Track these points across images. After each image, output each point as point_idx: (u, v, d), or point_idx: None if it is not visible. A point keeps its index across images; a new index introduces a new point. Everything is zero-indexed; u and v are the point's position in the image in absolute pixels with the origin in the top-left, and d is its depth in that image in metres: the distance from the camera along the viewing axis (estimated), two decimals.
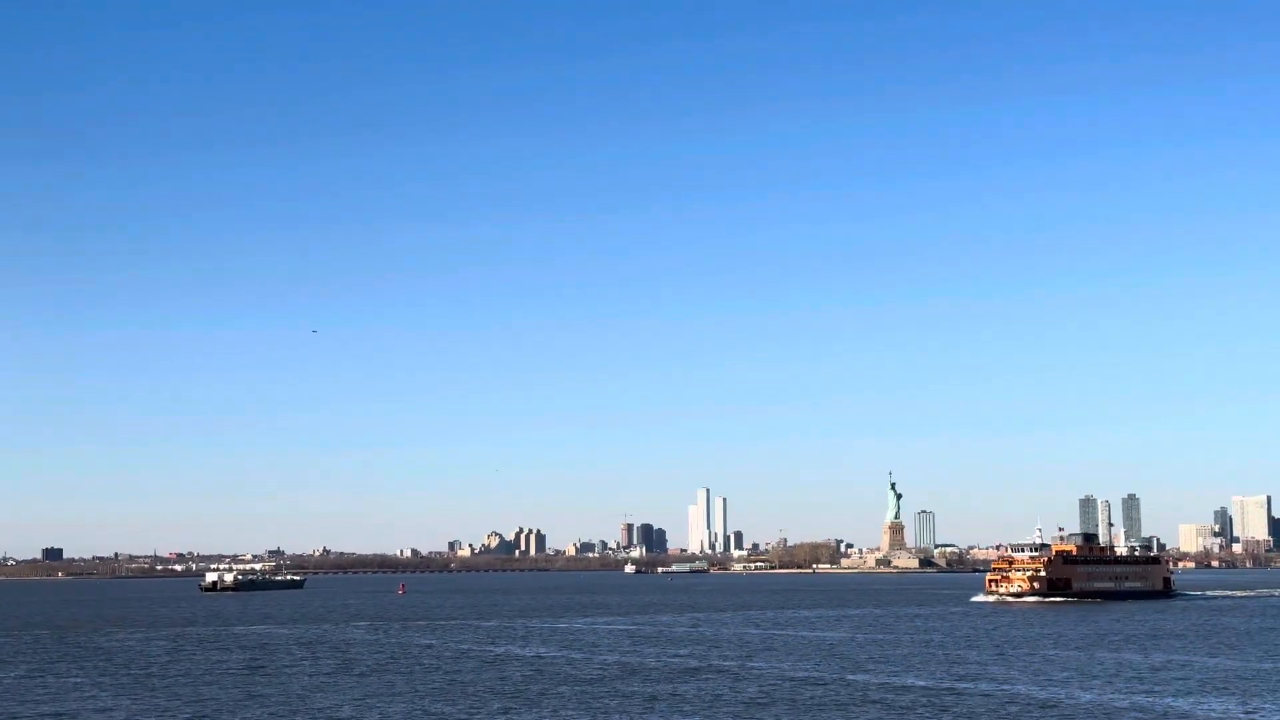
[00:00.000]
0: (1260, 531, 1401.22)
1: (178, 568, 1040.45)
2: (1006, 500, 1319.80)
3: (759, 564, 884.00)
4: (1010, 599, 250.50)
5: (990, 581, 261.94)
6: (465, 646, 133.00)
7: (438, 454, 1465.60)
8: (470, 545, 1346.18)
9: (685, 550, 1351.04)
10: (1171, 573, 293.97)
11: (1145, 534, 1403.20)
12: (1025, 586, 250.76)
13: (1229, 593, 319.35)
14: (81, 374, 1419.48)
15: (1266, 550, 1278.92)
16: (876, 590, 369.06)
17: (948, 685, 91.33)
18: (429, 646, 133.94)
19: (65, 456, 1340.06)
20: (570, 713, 77.46)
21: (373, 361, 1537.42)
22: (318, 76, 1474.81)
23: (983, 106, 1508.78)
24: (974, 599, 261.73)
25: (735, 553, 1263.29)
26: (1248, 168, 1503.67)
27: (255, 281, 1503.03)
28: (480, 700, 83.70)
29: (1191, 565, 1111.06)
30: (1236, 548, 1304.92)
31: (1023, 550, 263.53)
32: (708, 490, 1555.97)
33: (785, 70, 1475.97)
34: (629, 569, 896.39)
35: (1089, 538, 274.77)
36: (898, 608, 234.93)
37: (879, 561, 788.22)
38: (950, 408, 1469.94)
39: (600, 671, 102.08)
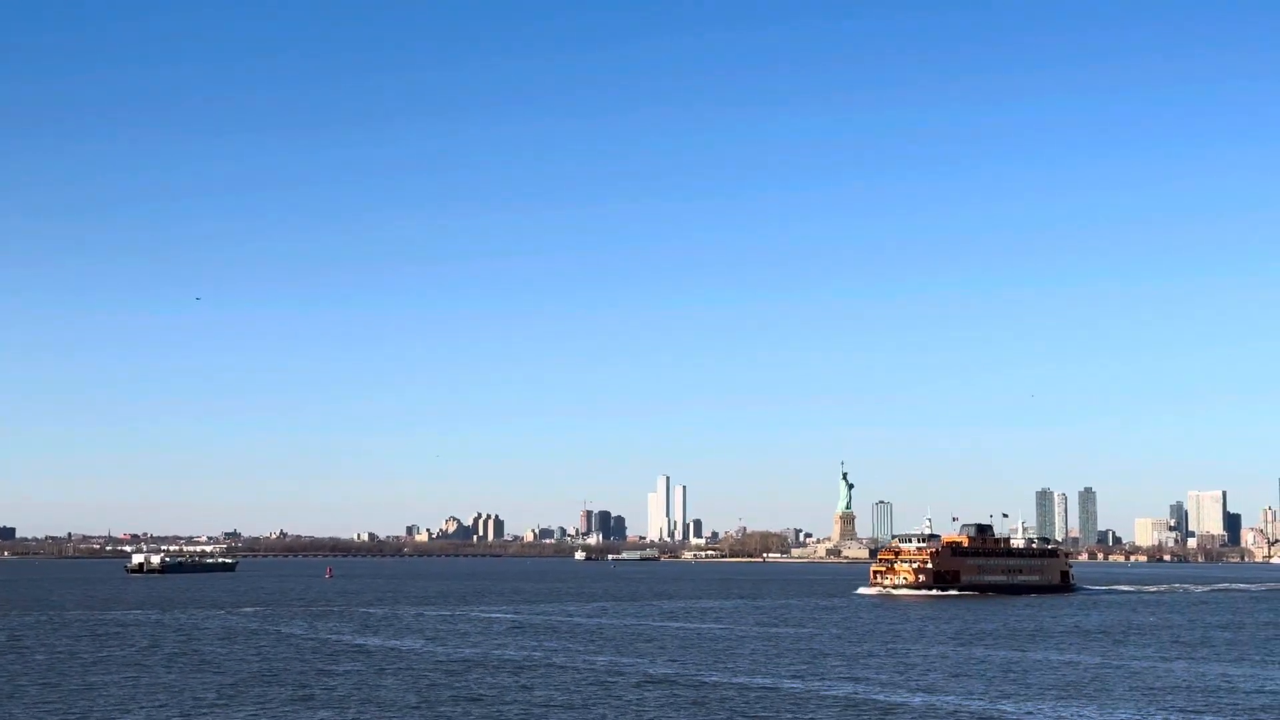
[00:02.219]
0: (1215, 526, 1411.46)
1: (128, 548, 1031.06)
2: (965, 493, 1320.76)
3: (710, 553, 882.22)
4: (895, 591, 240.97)
5: (875, 573, 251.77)
6: (324, 636, 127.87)
7: (400, 439, 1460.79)
8: (428, 530, 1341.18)
9: (644, 538, 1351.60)
10: (1070, 566, 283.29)
11: (1101, 527, 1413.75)
12: (910, 579, 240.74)
13: (1136, 587, 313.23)
14: (41, 355, 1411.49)
15: (1221, 545, 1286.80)
16: (806, 580, 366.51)
17: (771, 684, 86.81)
18: (289, 636, 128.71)
19: (22, 436, 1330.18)
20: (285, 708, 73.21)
21: (336, 347, 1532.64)
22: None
23: (944, 106, 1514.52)
24: (858, 591, 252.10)
25: (693, 540, 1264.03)
26: (1209, 172, 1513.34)
27: (214, 266, 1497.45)
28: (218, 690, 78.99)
29: (1144, 559, 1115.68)
30: (1192, 542, 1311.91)
31: (910, 541, 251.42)
32: (668, 478, 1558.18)
33: (745, 67, 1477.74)
34: (579, 556, 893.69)
35: (982, 529, 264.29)
36: (802, 599, 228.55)
37: (829, 552, 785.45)
38: (911, 400, 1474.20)
39: (434, 665, 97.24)
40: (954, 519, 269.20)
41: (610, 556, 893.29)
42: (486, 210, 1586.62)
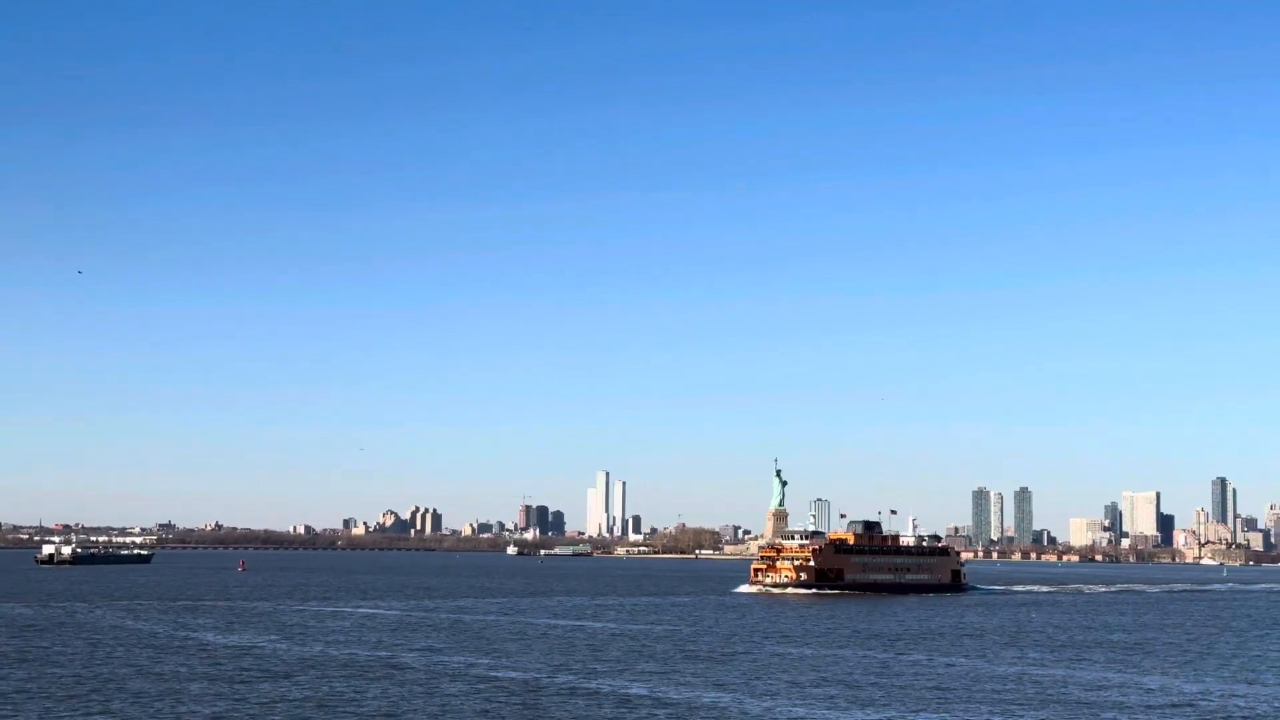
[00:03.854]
0: (1149, 527, 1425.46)
1: (56, 539, 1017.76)
2: (904, 490, 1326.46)
3: (643, 549, 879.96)
4: (774, 590, 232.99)
5: (755, 571, 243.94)
6: (173, 632, 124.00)
7: (340, 432, 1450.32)
8: (365, 523, 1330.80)
9: (582, 533, 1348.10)
10: (962, 565, 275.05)
11: (1037, 527, 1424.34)
12: (791, 576, 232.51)
13: (1033, 587, 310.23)
14: None
15: (1154, 546, 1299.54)
16: (710, 577, 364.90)
17: (599, 686, 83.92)
18: (138, 632, 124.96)
19: None
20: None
21: (276, 340, 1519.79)
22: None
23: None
24: (736, 589, 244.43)
25: (632, 536, 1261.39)
26: (1149, 177, 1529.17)
27: (157, 257, 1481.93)
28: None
29: (1076, 559, 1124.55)
30: (1125, 543, 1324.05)
31: (793, 538, 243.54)
32: (607, 474, 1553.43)
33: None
34: (511, 550, 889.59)
35: (869, 526, 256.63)
36: (687, 597, 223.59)
37: (762, 549, 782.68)
38: (851, 399, 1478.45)
39: (270, 664, 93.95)
40: (841, 515, 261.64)
41: (542, 552, 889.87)
42: (426, 207, 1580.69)
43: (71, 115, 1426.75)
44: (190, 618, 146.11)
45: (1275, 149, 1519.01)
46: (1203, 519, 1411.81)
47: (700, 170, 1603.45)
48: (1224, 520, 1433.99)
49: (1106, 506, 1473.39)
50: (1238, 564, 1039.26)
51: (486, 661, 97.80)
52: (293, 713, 70.30)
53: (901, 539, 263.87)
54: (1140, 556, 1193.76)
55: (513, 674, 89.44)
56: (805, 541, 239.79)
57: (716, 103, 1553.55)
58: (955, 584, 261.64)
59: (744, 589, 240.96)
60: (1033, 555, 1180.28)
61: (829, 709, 74.94)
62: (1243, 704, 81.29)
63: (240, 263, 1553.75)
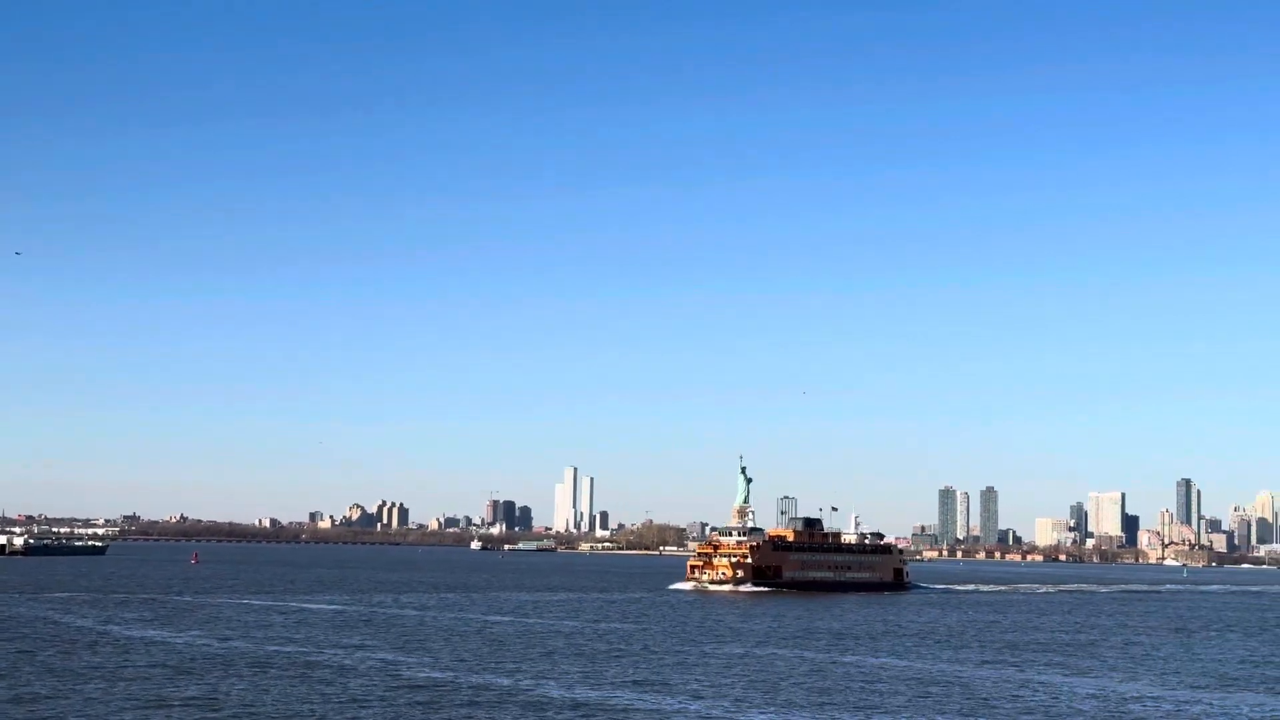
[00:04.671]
0: (1114, 528, 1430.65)
1: (17, 529, 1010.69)
2: (871, 489, 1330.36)
3: (607, 545, 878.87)
4: (711, 587, 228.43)
5: (692, 568, 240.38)
6: (96, 626, 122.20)
7: (310, 426, 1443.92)
8: (331, 517, 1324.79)
9: (549, 529, 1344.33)
10: (905, 564, 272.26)
11: (1002, 526, 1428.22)
12: (728, 574, 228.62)
13: (980, 586, 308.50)
14: None
15: (1118, 546, 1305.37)
16: (667, 573, 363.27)
17: (511, 685, 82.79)
18: (76, 627, 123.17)
19: None
20: None
21: (245, 334, 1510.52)
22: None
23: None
24: (672, 586, 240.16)
25: (600, 532, 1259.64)
26: (1116, 177, 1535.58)
27: (132, 251, 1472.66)
28: None
29: (1040, 558, 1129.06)
30: (1091, 543, 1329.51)
31: (731, 534, 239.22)
32: (575, 469, 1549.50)
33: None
34: (475, 545, 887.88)
35: (810, 523, 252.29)
36: (630, 593, 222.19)
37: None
38: (820, 397, 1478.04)
39: (178, 660, 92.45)
40: (782, 513, 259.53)
41: (506, 547, 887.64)
42: (395, 203, 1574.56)
43: (37, 109, 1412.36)
44: (121, 611, 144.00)
45: (1244, 151, 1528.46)
46: (1167, 520, 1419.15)
47: (670, 168, 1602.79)
48: (1188, 522, 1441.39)
49: (1072, 507, 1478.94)
50: (1200, 565, 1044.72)
51: (411, 660, 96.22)
52: (171, 714, 68.76)
53: (843, 536, 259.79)
54: (1104, 557, 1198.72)
55: (430, 673, 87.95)
56: (743, 538, 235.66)
57: (687, 100, 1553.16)
58: (897, 583, 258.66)
59: (680, 586, 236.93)
60: (997, 555, 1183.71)
61: (741, 709, 73.79)
62: (1149, 705, 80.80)
63: (208, 257, 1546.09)
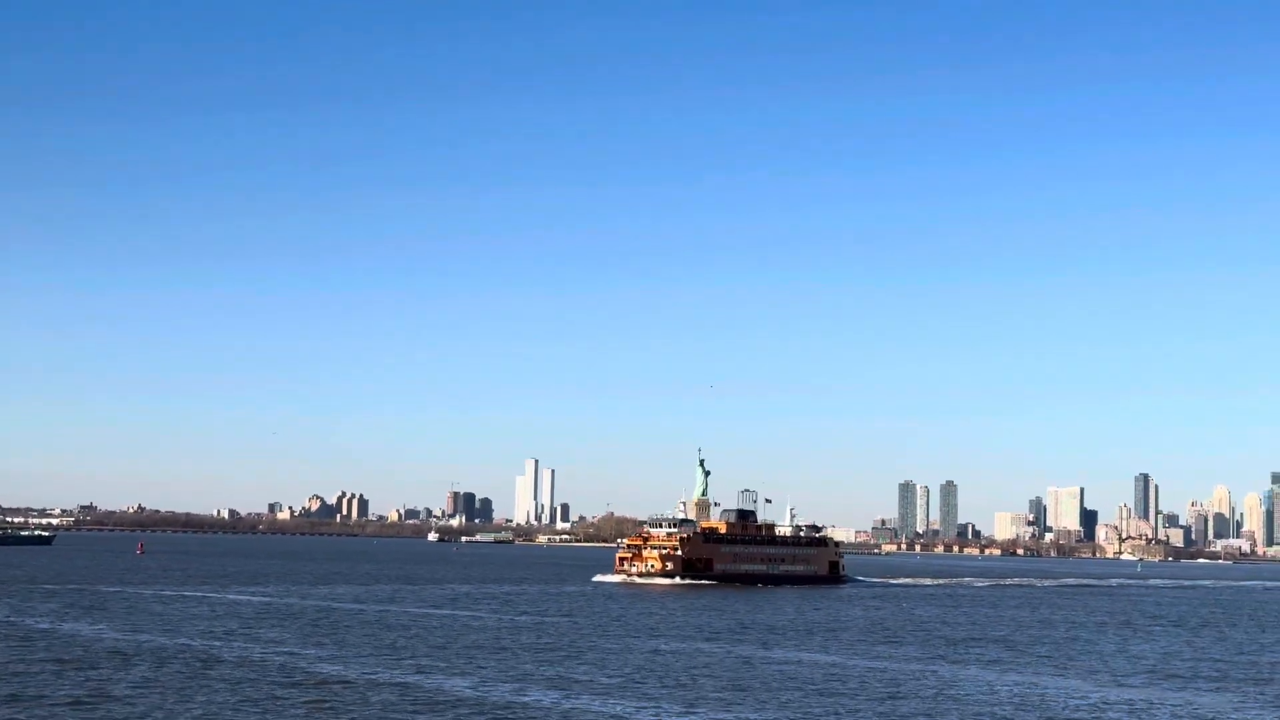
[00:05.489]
0: (1072, 522, 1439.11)
1: None
2: (832, 483, 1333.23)
3: (565, 537, 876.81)
4: (638, 579, 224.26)
5: (620, 560, 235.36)
6: (18, 618, 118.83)
7: (270, 416, 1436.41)
8: (290, 508, 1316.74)
9: (510, 520, 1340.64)
10: (841, 557, 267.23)
11: (962, 520, 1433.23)
12: (657, 566, 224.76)
13: (923, 580, 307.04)
14: None
15: (1076, 540, 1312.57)
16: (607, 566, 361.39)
17: (416, 681, 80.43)
18: None
19: None
20: None
21: (207, 324, 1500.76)
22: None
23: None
24: (598, 579, 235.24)
25: (560, 525, 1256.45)
26: (1067, 175, 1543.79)
27: (92, 241, 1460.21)
28: None
29: (998, 553, 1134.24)
30: (1049, 537, 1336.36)
31: (661, 526, 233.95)
32: (536, 462, 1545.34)
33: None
34: (432, 537, 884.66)
35: (743, 515, 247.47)
36: (560, 585, 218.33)
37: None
38: (779, 390, 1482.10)
39: (78, 651, 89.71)
40: (715, 504, 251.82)
41: (463, 538, 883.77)
42: (357, 195, 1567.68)
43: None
44: (37, 603, 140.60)
45: (1202, 150, 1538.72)
46: (1125, 515, 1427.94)
47: (630, 164, 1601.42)
48: (1146, 516, 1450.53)
49: (1031, 501, 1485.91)
50: (1156, 560, 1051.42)
51: (318, 654, 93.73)
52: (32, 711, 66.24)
53: (777, 528, 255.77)
54: (1062, 551, 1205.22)
55: (332, 668, 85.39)
56: (673, 530, 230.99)
57: (657, 96, 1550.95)
58: (833, 576, 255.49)
59: (607, 578, 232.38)
60: (956, 549, 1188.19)
61: (649, 706, 71.74)
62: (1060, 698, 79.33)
63: (168, 247, 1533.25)
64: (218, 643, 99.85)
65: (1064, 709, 76.86)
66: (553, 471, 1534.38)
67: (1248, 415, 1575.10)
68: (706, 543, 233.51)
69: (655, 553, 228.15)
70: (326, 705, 68.64)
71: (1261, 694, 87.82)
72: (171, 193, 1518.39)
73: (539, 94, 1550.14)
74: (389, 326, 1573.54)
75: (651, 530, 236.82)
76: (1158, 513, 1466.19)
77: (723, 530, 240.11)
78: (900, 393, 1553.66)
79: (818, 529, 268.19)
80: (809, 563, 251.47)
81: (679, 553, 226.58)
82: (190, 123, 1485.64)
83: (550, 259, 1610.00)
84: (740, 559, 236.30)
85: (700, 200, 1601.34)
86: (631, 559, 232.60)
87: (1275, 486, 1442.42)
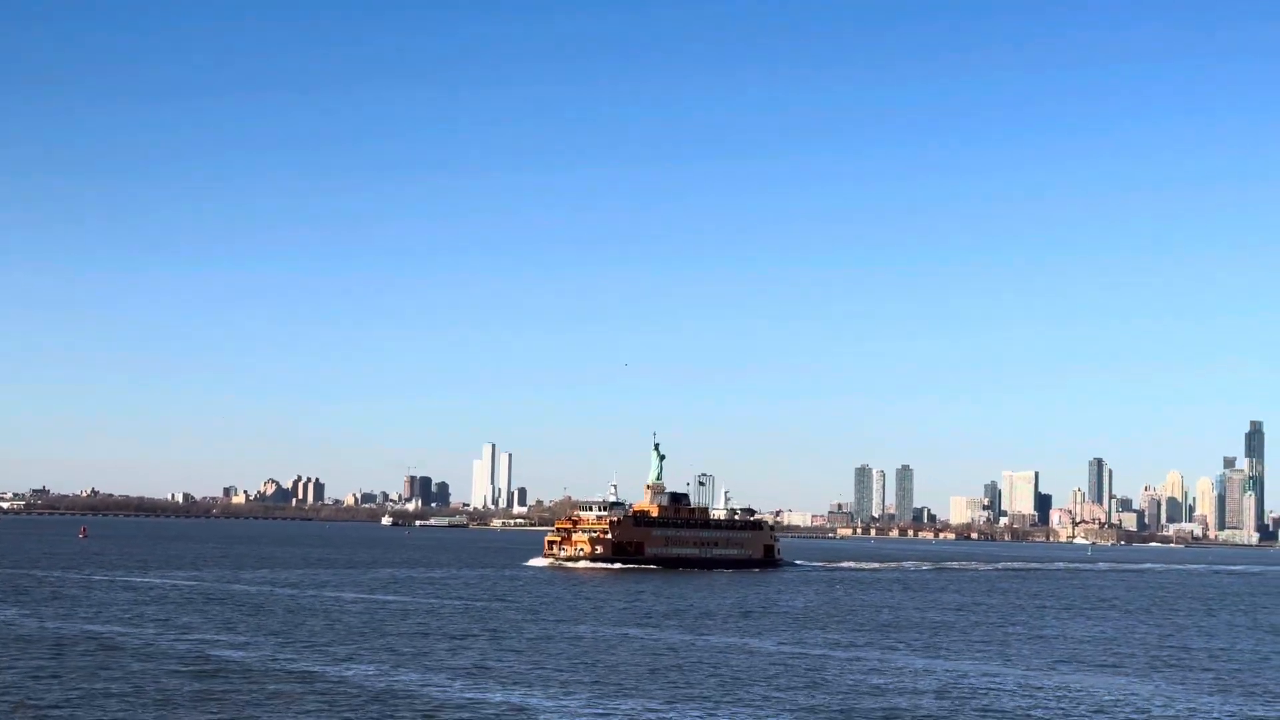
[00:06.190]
0: (1027, 506, 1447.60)
1: None
2: (790, 467, 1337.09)
3: (519, 521, 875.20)
4: (567, 564, 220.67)
5: (549, 543, 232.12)
6: None
7: (226, 400, 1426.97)
8: (246, 492, 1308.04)
9: (467, 504, 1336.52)
10: (776, 540, 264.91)
11: (918, 504, 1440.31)
12: (587, 550, 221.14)
13: (864, 564, 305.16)
14: None
15: (1031, 525, 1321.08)
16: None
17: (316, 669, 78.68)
18: None
19: None
20: None
21: (162, 307, 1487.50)
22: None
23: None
24: (529, 563, 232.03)
25: (517, 509, 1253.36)
26: (1026, 162, 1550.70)
27: (42, 224, 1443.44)
28: None
29: (953, 537, 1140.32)
30: (1003, 521, 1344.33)
31: (591, 509, 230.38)
32: (494, 446, 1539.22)
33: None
34: (386, 521, 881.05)
35: (676, 498, 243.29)
36: (476, 570, 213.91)
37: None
38: (739, 375, 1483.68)
39: None
40: (647, 486, 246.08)
41: (418, 523, 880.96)
42: (311, 179, 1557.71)
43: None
44: None
45: (1157, 132, 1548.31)
46: (1079, 499, 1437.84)
47: (587, 149, 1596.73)
48: (1100, 501, 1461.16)
49: (986, 485, 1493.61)
50: (1109, 544, 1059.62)
51: (222, 640, 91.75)
52: None
53: (712, 512, 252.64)
54: (1016, 535, 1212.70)
55: (238, 654, 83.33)
56: (604, 513, 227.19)
57: (600, 84, 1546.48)
58: (768, 559, 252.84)
59: (535, 562, 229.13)
60: (911, 533, 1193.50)
61: (562, 694, 70.19)
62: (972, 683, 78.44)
63: (121, 230, 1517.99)
64: (127, 629, 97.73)
65: (973, 692, 75.76)
66: (510, 456, 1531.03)
67: (1201, 401, 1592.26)
68: (637, 526, 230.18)
69: (585, 536, 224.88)
70: (213, 696, 66.50)
71: (1185, 680, 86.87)
72: (125, 178, 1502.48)
73: (492, 78, 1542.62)
74: (349, 311, 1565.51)
75: (581, 513, 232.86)
76: (1111, 497, 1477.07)
77: (654, 513, 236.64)
78: (857, 377, 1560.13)
79: (752, 512, 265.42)
80: (743, 546, 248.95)
81: (609, 536, 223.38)
82: (135, 107, 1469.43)
83: (508, 244, 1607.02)
84: (672, 542, 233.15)
85: (656, 186, 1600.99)
86: (560, 543, 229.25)
87: (1227, 471, 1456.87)
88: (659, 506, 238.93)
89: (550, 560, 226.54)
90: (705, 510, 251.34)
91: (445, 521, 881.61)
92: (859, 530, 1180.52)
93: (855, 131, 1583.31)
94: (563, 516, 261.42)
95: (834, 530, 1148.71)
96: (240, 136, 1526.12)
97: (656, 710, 66.57)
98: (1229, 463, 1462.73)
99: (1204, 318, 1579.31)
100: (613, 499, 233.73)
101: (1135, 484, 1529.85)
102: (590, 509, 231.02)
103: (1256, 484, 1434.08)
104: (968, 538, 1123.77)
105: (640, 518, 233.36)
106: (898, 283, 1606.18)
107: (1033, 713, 69.98)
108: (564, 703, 67.89)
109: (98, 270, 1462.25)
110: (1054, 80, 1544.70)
